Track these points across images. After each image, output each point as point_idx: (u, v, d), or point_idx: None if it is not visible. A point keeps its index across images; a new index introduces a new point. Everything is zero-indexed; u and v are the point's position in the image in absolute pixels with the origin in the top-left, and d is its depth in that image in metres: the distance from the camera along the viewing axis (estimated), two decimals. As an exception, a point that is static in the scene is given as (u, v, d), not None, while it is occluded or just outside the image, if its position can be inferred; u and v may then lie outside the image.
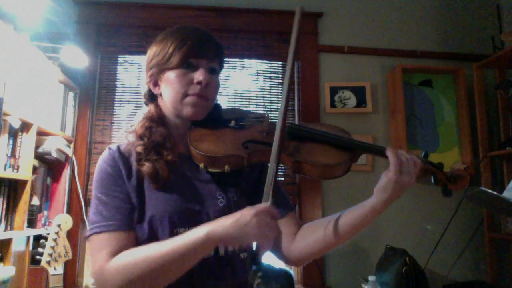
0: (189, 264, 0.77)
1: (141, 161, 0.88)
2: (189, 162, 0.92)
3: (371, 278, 1.57)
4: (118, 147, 0.91)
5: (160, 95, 0.96)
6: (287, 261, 0.98)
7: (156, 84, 0.96)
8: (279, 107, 2.34)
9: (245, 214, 0.73)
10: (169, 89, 0.91)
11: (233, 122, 0.96)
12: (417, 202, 2.27)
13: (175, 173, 0.89)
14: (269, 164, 0.79)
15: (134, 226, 0.84)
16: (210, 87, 0.92)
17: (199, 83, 0.90)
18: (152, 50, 0.95)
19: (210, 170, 0.88)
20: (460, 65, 2.44)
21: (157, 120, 0.94)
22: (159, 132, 0.91)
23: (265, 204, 0.74)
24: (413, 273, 1.74)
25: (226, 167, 0.86)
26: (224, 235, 0.73)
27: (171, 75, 0.91)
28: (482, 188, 1.36)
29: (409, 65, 2.36)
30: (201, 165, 0.87)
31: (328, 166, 0.87)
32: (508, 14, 2.51)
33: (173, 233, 0.84)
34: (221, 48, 0.97)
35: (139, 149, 0.89)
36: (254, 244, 0.77)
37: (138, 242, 0.85)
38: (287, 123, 0.94)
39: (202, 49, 0.92)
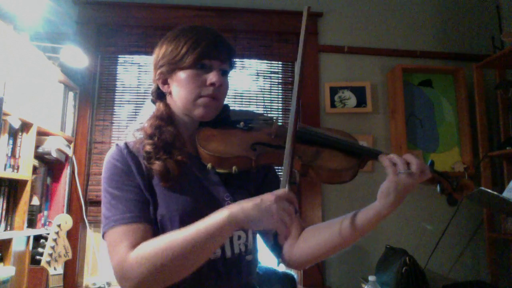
0: (211, 249, 0.78)
1: (151, 159, 0.87)
2: (198, 162, 0.92)
3: (371, 278, 1.56)
4: (126, 144, 0.91)
5: (170, 93, 0.95)
6: (289, 264, 0.98)
7: (165, 82, 0.95)
8: (280, 107, 2.35)
9: (266, 199, 0.73)
10: (181, 88, 0.91)
11: (242, 123, 0.96)
12: (417, 202, 2.27)
13: (185, 172, 0.89)
14: (281, 172, 0.79)
15: (151, 218, 0.84)
16: (222, 89, 0.93)
17: (212, 84, 0.90)
18: (163, 48, 0.94)
19: (217, 170, 0.88)
20: (460, 65, 2.44)
21: (166, 118, 0.94)
22: (169, 132, 0.91)
23: (284, 190, 0.75)
24: (413, 273, 1.74)
25: (234, 168, 0.86)
26: (244, 218, 0.74)
27: (183, 75, 0.91)
28: (482, 188, 1.36)
29: (409, 65, 2.36)
30: (209, 165, 0.87)
31: (337, 171, 0.87)
32: (508, 14, 2.51)
33: None
34: (233, 51, 0.97)
35: (148, 148, 0.88)
36: (273, 235, 0.76)
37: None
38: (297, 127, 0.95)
39: (216, 50, 0.92)
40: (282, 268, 1.98)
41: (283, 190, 0.75)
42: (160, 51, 0.95)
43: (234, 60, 1.00)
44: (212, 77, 0.90)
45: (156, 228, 0.84)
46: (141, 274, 0.75)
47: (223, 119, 0.98)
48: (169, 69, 0.92)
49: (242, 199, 0.92)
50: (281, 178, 0.78)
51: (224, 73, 0.94)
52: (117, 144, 0.91)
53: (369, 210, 0.85)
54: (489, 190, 1.34)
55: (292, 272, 2.04)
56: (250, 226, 0.77)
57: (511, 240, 2.23)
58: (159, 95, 0.99)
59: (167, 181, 0.86)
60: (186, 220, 0.84)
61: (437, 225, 2.23)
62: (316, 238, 0.93)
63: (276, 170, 1.09)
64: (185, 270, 0.77)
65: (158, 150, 0.88)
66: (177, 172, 0.86)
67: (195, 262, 0.77)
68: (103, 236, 0.84)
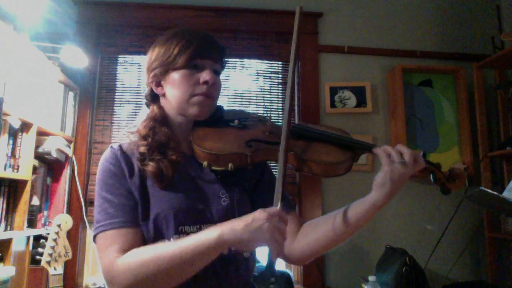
0: (198, 266, 0.77)
1: (144, 160, 0.88)
2: (192, 162, 0.93)
3: (371, 278, 1.56)
4: (120, 146, 0.92)
5: (163, 95, 0.96)
6: (289, 260, 0.98)
7: (158, 84, 0.96)
8: (280, 107, 2.35)
9: (257, 218, 0.72)
10: (175, 89, 0.92)
11: (236, 121, 0.98)
12: (417, 202, 2.27)
13: (179, 172, 0.90)
14: (277, 169, 0.79)
15: (139, 223, 0.85)
16: (215, 87, 0.94)
17: (205, 82, 0.91)
18: (155, 51, 0.95)
19: (213, 168, 0.89)
20: (460, 65, 2.44)
21: (160, 120, 0.95)
22: (163, 132, 0.92)
23: (276, 208, 0.74)
24: (413, 273, 1.74)
25: (230, 165, 0.87)
26: (235, 239, 0.73)
27: (176, 75, 0.92)
28: (482, 188, 1.36)
29: (409, 65, 2.36)
30: (205, 163, 0.88)
31: (331, 164, 0.89)
32: (508, 14, 2.51)
33: (178, 231, 0.85)
34: (224, 51, 0.99)
35: (142, 149, 0.89)
36: (267, 253, 0.75)
37: (144, 241, 0.85)
38: (291, 123, 0.95)
39: (208, 50, 0.93)
40: (278, 267, 1.98)
41: (275, 209, 0.73)
42: (152, 54, 0.96)
43: (226, 60, 1.02)
44: (205, 75, 0.91)
45: (152, 228, 0.85)
46: (127, 281, 0.76)
47: (217, 118, 0.99)
48: (162, 70, 0.93)
49: (239, 196, 0.93)
50: (275, 196, 0.76)
51: (216, 73, 0.96)
52: (111, 146, 0.92)
53: (364, 201, 0.86)
54: (489, 190, 1.34)
55: (288, 271, 2.04)
56: (242, 247, 0.76)
57: (511, 240, 2.23)
58: (153, 98, 1.00)
59: (161, 181, 0.86)
60: (180, 218, 0.85)
61: (437, 225, 2.23)
62: (314, 233, 0.93)
63: (273, 171, 1.10)
64: (169, 283, 0.78)
65: (152, 151, 0.89)
66: (171, 172, 0.87)
67: (180, 277, 0.77)
68: (94, 239, 0.85)
